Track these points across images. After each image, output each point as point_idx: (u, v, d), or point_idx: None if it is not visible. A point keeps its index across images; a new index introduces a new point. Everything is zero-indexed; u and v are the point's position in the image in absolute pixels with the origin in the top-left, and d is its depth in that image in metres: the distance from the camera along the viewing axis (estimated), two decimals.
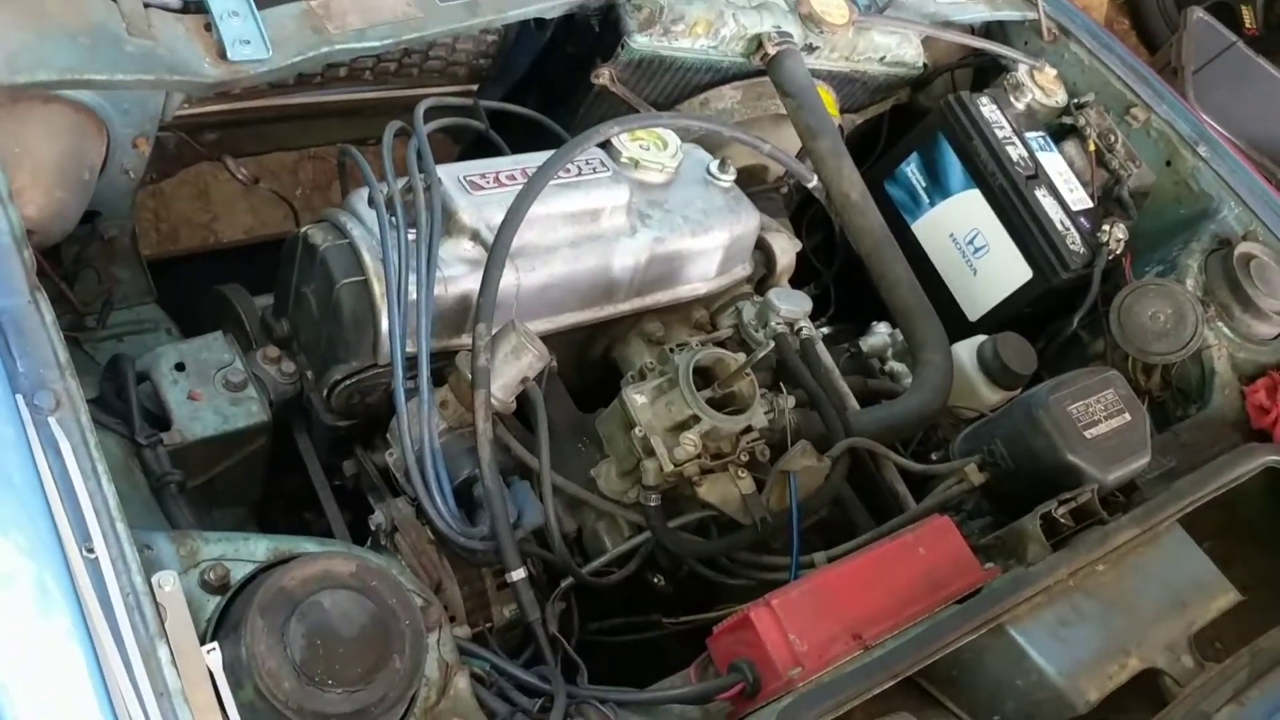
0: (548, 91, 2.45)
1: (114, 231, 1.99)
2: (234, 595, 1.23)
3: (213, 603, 1.22)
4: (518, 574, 1.56)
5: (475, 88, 2.52)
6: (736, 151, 2.31)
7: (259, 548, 1.28)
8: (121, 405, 1.69)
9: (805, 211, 2.78)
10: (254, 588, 1.21)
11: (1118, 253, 2.44)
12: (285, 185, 2.94)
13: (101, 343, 1.93)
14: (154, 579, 1.15)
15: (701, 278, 2.09)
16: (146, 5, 1.75)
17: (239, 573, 1.25)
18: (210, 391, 1.76)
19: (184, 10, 1.81)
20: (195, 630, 1.15)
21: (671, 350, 1.86)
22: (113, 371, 1.74)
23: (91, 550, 1.12)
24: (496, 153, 2.18)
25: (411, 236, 1.73)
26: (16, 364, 1.21)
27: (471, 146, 2.44)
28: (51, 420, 1.18)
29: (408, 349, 1.68)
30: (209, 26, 1.79)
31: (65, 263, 1.95)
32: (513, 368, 1.68)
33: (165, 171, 2.15)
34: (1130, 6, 5.53)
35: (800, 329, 2.07)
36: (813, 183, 2.25)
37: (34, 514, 1.14)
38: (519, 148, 2.21)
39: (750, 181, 2.45)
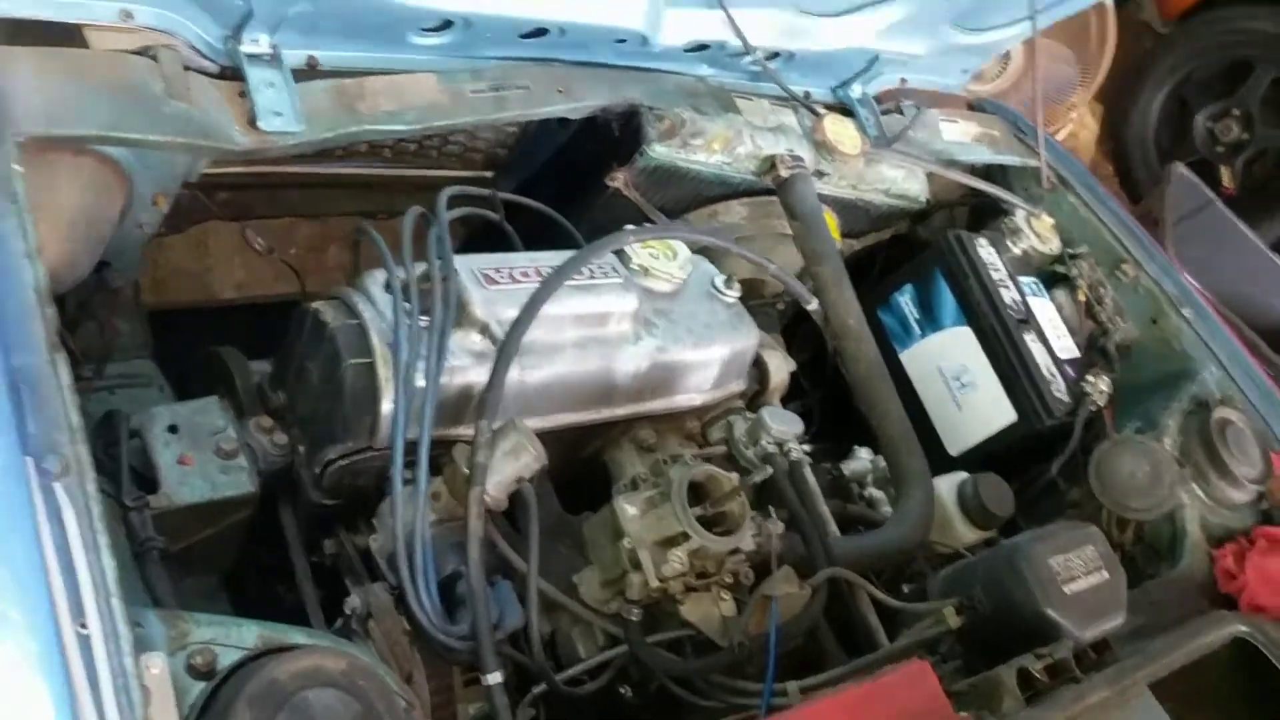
0: (561, 186, 2.48)
1: (120, 283, 1.99)
2: (220, 683, 1.21)
3: (197, 688, 1.20)
4: (494, 678, 1.55)
5: (490, 174, 2.56)
6: (738, 264, 2.35)
7: (248, 634, 1.26)
8: (110, 463, 1.67)
9: (797, 328, 2.82)
10: (243, 677, 1.19)
11: (1100, 404, 2.49)
12: (280, 245, 2.94)
13: (95, 394, 1.91)
14: (142, 660, 1.13)
15: (697, 389, 2.11)
16: (186, 68, 1.77)
17: (226, 659, 1.23)
18: (201, 457, 1.74)
19: (221, 76, 1.84)
20: (178, 716, 1.12)
21: (665, 462, 1.87)
22: (106, 428, 1.72)
23: (84, 626, 1.10)
24: (508, 243, 2.21)
25: (422, 323, 1.74)
26: (28, 424, 1.19)
27: (481, 231, 2.46)
28: (58, 486, 1.17)
29: (408, 435, 1.68)
30: (243, 94, 1.81)
31: (68, 309, 1.93)
32: (509, 467, 1.68)
33: (175, 226, 2.15)
34: (1115, 154, 5.70)
35: (789, 450, 2.08)
36: (812, 305, 2.29)
37: (29, 582, 1.12)
38: (528, 238, 2.25)
39: (749, 294, 2.48)
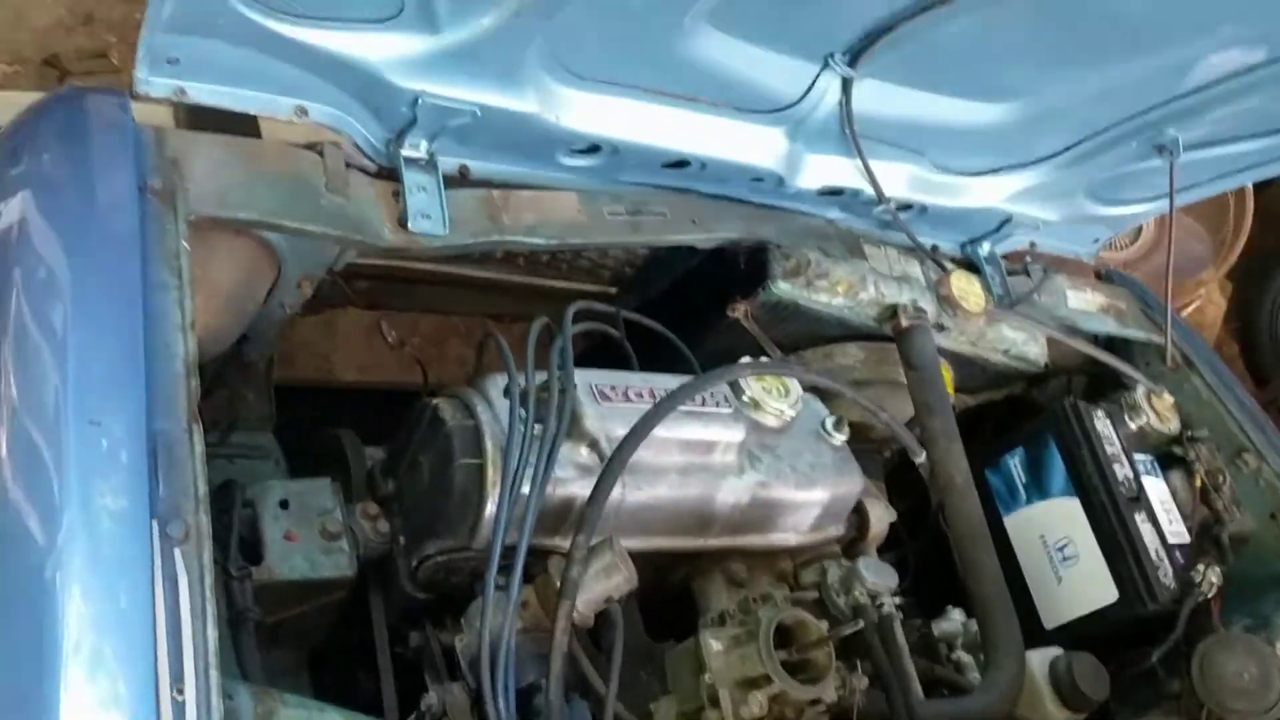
0: (682, 309, 2.52)
1: (254, 357, 2.08)
2: None
3: None
4: None
5: (615, 290, 2.63)
6: (849, 407, 2.35)
7: None
8: (222, 530, 1.73)
9: (901, 475, 2.79)
10: None
11: (1209, 595, 2.40)
12: (404, 334, 3.04)
13: (214, 460, 1.98)
14: None
15: (794, 529, 2.10)
16: (348, 165, 1.87)
17: None
18: (307, 535, 1.79)
19: (378, 175, 1.94)
20: None
21: (754, 601, 1.86)
22: (222, 495, 1.79)
23: (181, 692, 1.14)
24: (625, 359, 2.25)
25: (535, 432, 1.78)
26: (160, 487, 1.25)
27: (600, 345, 2.52)
28: (177, 551, 1.22)
29: (507, 540, 1.71)
30: (397, 195, 1.90)
31: (205, 377, 2.02)
32: (601, 585, 1.69)
33: (312, 308, 2.25)
34: (1242, 334, 5.57)
35: (881, 603, 2.05)
36: (920, 458, 2.27)
37: (137, 637, 1.16)
38: (644, 356, 2.29)
39: (856, 437, 2.47)
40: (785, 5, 1.88)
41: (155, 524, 1.23)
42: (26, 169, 1.62)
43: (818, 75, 2.10)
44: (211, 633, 1.20)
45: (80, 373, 1.31)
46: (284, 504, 1.82)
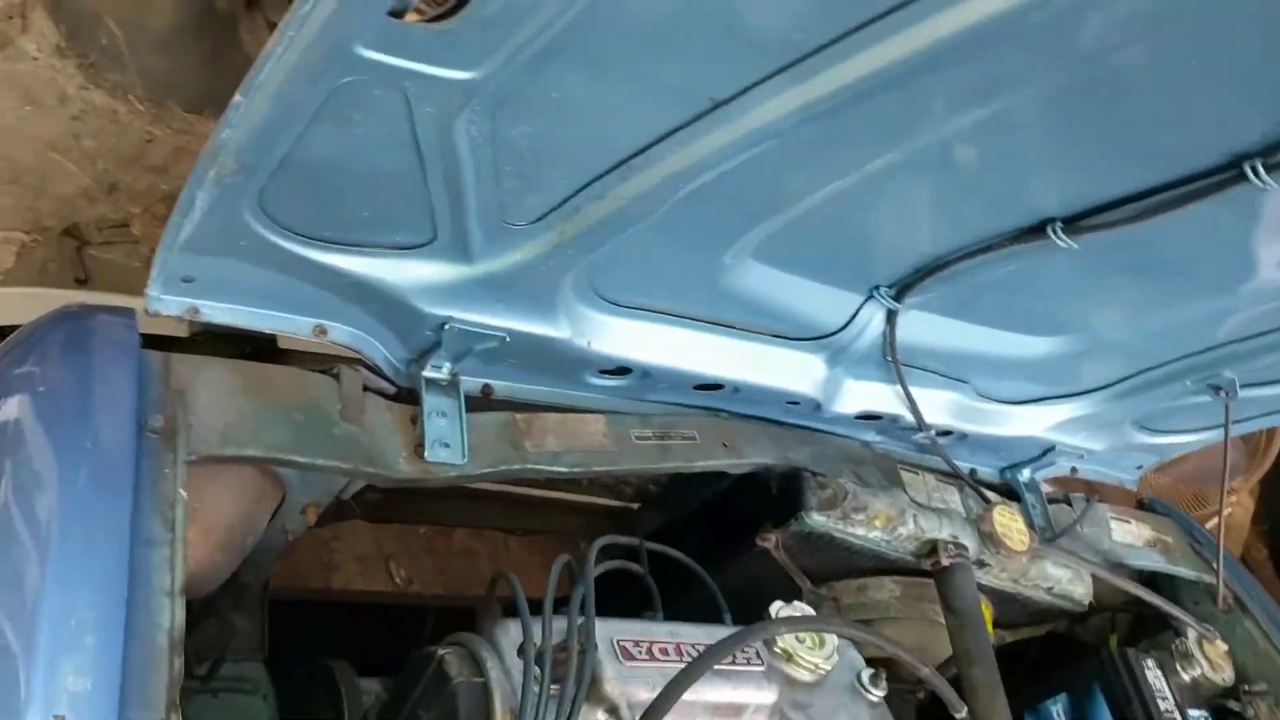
0: (708, 533, 2.39)
1: (250, 580, 1.94)
2: None
3: None
4: None
5: (637, 505, 2.50)
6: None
7: None
8: None
9: (934, 715, 2.60)
10: None
11: None
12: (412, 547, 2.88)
13: (196, 694, 1.82)
14: None
15: None
16: (365, 388, 1.77)
17: None
18: None
19: (396, 397, 1.83)
20: None
21: None
22: None
23: None
24: (645, 592, 2.10)
25: (551, 691, 1.62)
26: None
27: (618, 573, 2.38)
28: None
29: None
30: (415, 420, 1.79)
31: (195, 606, 1.88)
32: None
33: (320, 522, 2.11)
34: (1271, 534, 5.39)
35: None
36: (962, 714, 2.09)
37: None
38: (665, 584, 2.13)
39: (889, 676, 2.31)
40: (833, 241, 1.80)
41: None
42: (30, 374, 1.53)
43: (861, 305, 2.02)
44: None
45: (50, 648, 1.16)
46: None
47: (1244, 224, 1.72)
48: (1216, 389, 2.29)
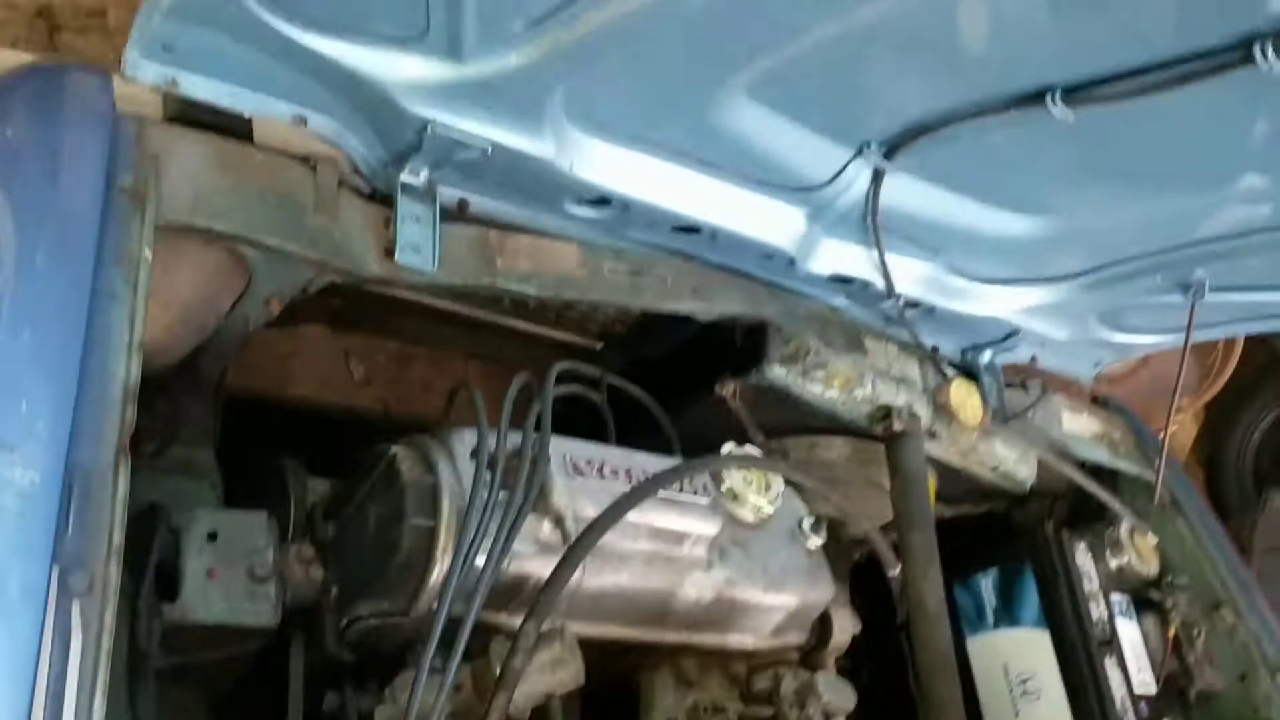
0: (667, 377, 2.41)
1: (206, 367, 1.93)
2: None
3: None
4: None
5: (600, 345, 2.50)
6: (825, 502, 2.23)
7: None
8: (138, 559, 1.58)
9: (866, 579, 2.67)
10: None
11: None
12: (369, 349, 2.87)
13: (144, 473, 1.83)
14: None
15: (755, 632, 1.98)
16: (340, 184, 1.74)
17: None
18: (230, 575, 1.64)
19: (371, 197, 1.81)
20: None
21: (705, 711, 1.72)
22: (146, 519, 1.64)
23: None
24: (601, 424, 2.12)
25: (500, 498, 1.64)
26: (69, 530, 1.11)
27: (575, 403, 2.39)
28: (76, 605, 1.07)
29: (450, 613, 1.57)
30: (388, 223, 1.77)
31: (147, 387, 1.87)
32: (544, 680, 1.56)
33: (278, 322, 2.10)
34: (1209, 463, 5.50)
35: None
36: (894, 571, 2.15)
37: (8, 704, 1.01)
38: (622, 422, 2.16)
39: (828, 534, 2.37)
40: (829, 88, 1.77)
41: (55, 571, 1.08)
42: None
43: (849, 161, 1.99)
44: (99, 706, 1.05)
45: (3, 380, 1.15)
46: (212, 536, 1.66)
47: (1242, 112, 1.70)
48: (1186, 288, 2.31)
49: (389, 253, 1.74)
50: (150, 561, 1.57)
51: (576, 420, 2.10)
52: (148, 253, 1.34)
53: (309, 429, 2.30)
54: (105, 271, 1.28)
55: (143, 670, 1.47)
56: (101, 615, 1.09)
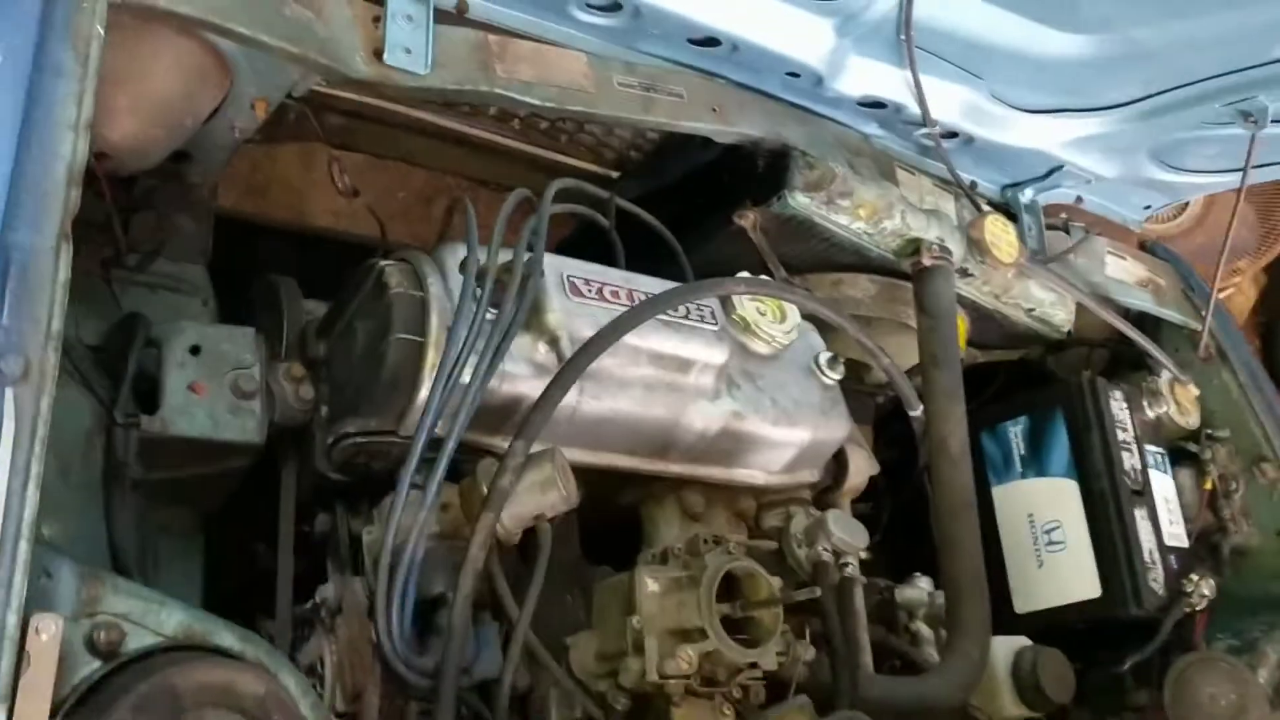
0: (683, 207, 2.29)
1: (196, 179, 1.84)
2: (116, 669, 1.04)
3: (89, 667, 1.03)
4: None
5: (616, 175, 2.38)
6: (847, 343, 2.13)
7: (170, 620, 1.09)
8: (115, 369, 1.52)
9: (890, 424, 2.58)
10: (139, 673, 1.01)
11: (1197, 608, 2.21)
12: (390, 185, 2.77)
13: (133, 287, 1.77)
14: (34, 622, 0.96)
15: (764, 468, 1.90)
16: None
17: (136, 641, 1.05)
18: (215, 389, 1.58)
19: None
20: (52, 696, 0.95)
21: (705, 542, 1.66)
22: (125, 329, 1.58)
23: None
24: (611, 252, 2.02)
25: (490, 317, 1.55)
26: (3, 313, 1.03)
27: (586, 232, 2.29)
28: (8, 392, 1.01)
29: (435, 432, 1.50)
30: (378, 21, 1.65)
31: (136, 194, 1.79)
32: (533, 501, 1.49)
33: (273, 137, 2.01)
34: (1265, 330, 5.31)
35: (845, 563, 1.86)
36: (916, 412, 2.06)
37: None
38: (633, 252, 2.05)
39: (849, 376, 2.26)
40: None
41: None
42: None
43: None
44: (32, 496, 0.99)
45: None
46: (195, 350, 1.60)
47: None
48: (1246, 115, 2.13)
49: (378, 54, 1.62)
50: (128, 372, 1.51)
51: (584, 250, 2.00)
52: (100, 30, 1.23)
53: (323, 260, 2.23)
54: (51, 46, 1.18)
55: (118, 484, 1.42)
56: (37, 403, 1.02)
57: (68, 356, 1.47)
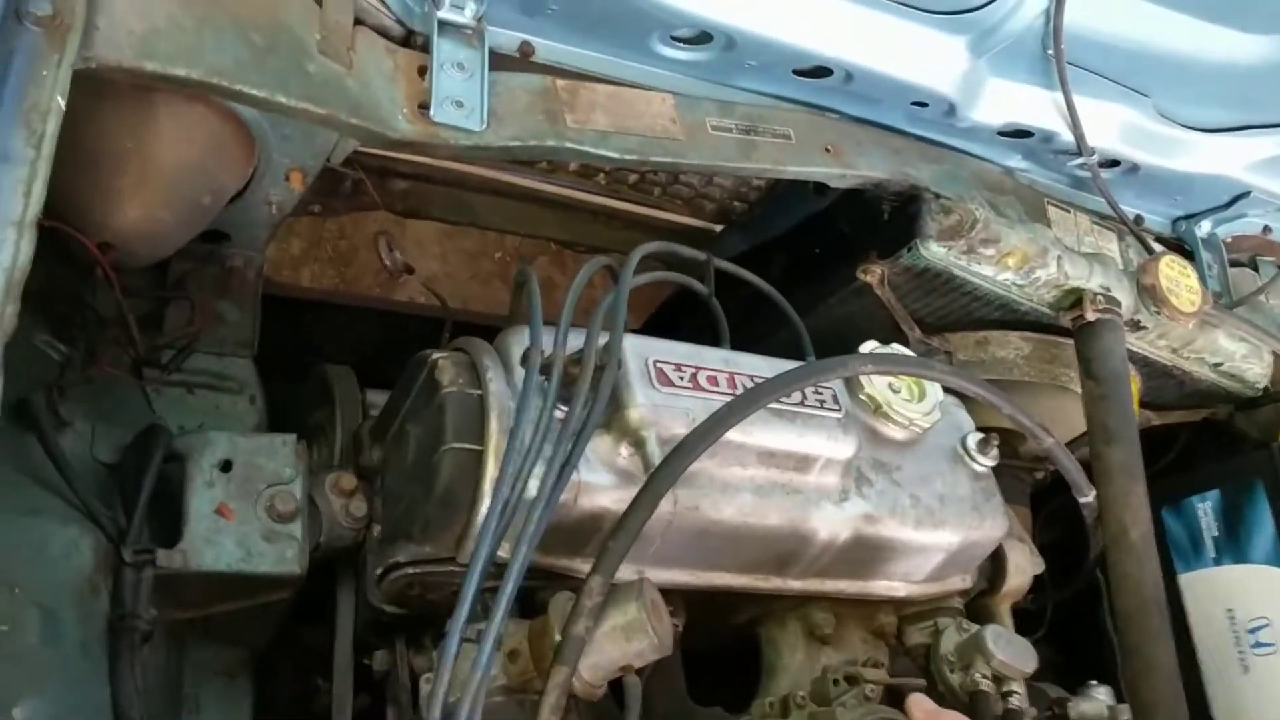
0: (795, 263, 2.00)
1: (238, 262, 1.63)
2: None
3: None
4: None
5: (719, 229, 2.10)
6: (992, 413, 1.79)
7: None
8: (127, 494, 1.30)
9: (1045, 497, 2.23)
10: None
11: None
12: (472, 251, 2.54)
13: (169, 388, 1.56)
14: None
15: (905, 578, 1.58)
16: (359, 22, 1.38)
17: None
18: (246, 512, 1.35)
19: (405, 43, 1.45)
20: None
21: (836, 684, 1.35)
22: (142, 444, 1.35)
23: None
24: (711, 323, 1.73)
25: (560, 414, 1.28)
26: None
27: (679, 299, 2.01)
28: None
29: (498, 553, 1.23)
30: (423, 71, 1.41)
31: (170, 280, 1.59)
32: (617, 649, 1.20)
33: (332, 209, 1.79)
34: None
35: (1010, 692, 1.52)
36: (1088, 498, 1.71)
37: None
38: (737, 319, 1.76)
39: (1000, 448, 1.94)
40: None
41: None
42: None
43: None
44: None
45: None
46: (225, 466, 1.37)
47: None
48: None
49: (424, 109, 1.38)
50: (140, 498, 1.28)
51: (678, 321, 1.72)
52: (60, 100, 1.01)
53: (364, 327, 2.00)
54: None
55: (124, 639, 1.19)
56: None
57: (68, 483, 1.26)
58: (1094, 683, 1.81)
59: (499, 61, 1.49)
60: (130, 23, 1.14)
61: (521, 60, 1.54)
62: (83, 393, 1.40)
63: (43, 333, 1.38)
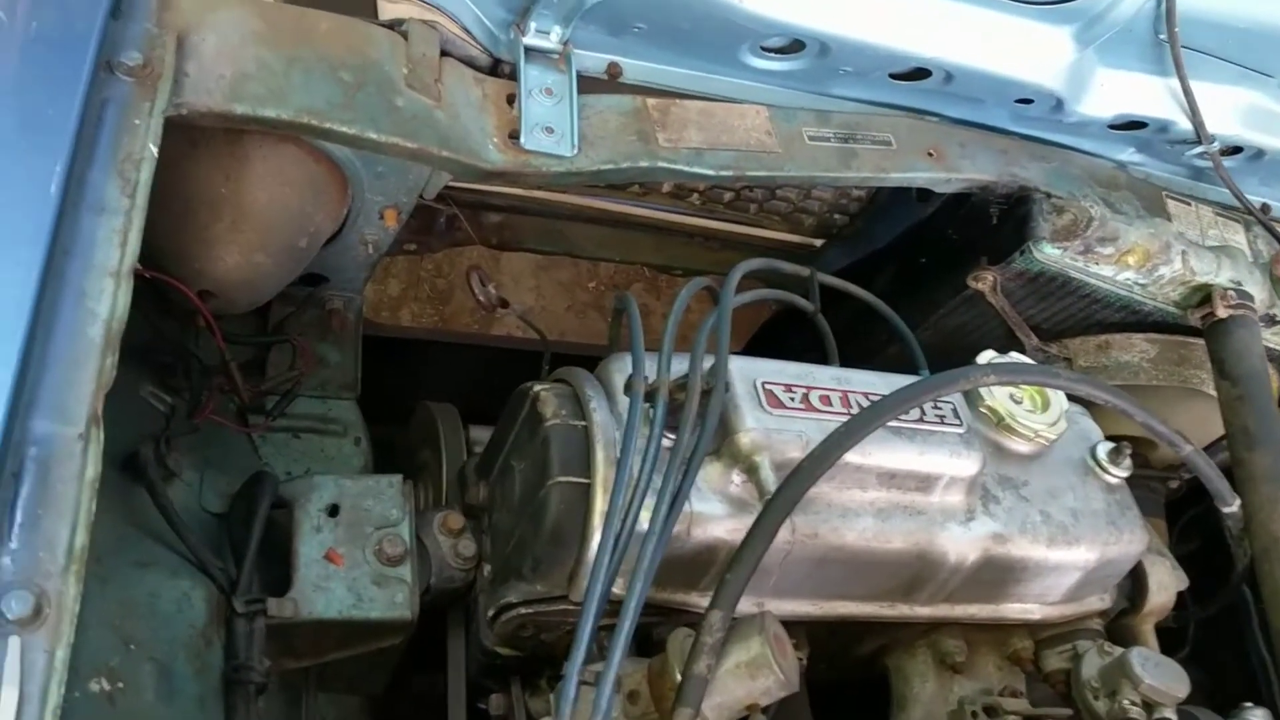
0: (903, 274, 1.93)
1: (338, 304, 1.63)
2: None
3: None
4: None
5: (820, 243, 2.04)
6: (1121, 420, 1.70)
7: None
8: (236, 543, 1.28)
9: (1181, 507, 2.11)
10: None
11: None
12: (565, 281, 2.51)
13: (274, 434, 1.55)
14: None
15: (1040, 599, 1.49)
16: (444, 54, 1.36)
17: None
18: (356, 556, 1.32)
19: (492, 72, 1.42)
20: None
21: (974, 716, 1.27)
22: (249, 492, 1.34)
23: None
24: (817, 339, 1.67)
25: (668, 443, 1.23)
26: (12, 536, 0.78)
27: (785, 315, 1.95)
28: (12, 642, 0.75)
29: (611, 591, 1.18)
30: (512, 100, 1.38)
31: (270, 324, 1.59)
32: (741, 688, 1.15)
33: (428, 246, 1.78)
34: None
35: (1162, 719, 1.42)
36: (1232, 507, 1.60)
37: None
38: (845, 336, 1.70)
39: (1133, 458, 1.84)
40: None
41: None
42: None
43: None
44: None
45: None
46: (333, 510, 1.35)
47: None
48: None
49: (514, 137, 1.35)
50: (249, 547, 1.27)
51: (783, 339, 1.66)
52: (153, 149, 1.00)
53: (468, 363, 1.98)
54: (90, 175, 0.96)
55: (239, 691, 1.17)
56: (52, 655, 0.76)
57: (179, 534, 1.25)
58: (1249, 705, 1.69)
59: (587, 84, 1.46)
60: (219, 68, 1.13)
61: (610, 82, 1.51)
62: (189, 442, 1.40)
63: (147, 384, 1.38)
